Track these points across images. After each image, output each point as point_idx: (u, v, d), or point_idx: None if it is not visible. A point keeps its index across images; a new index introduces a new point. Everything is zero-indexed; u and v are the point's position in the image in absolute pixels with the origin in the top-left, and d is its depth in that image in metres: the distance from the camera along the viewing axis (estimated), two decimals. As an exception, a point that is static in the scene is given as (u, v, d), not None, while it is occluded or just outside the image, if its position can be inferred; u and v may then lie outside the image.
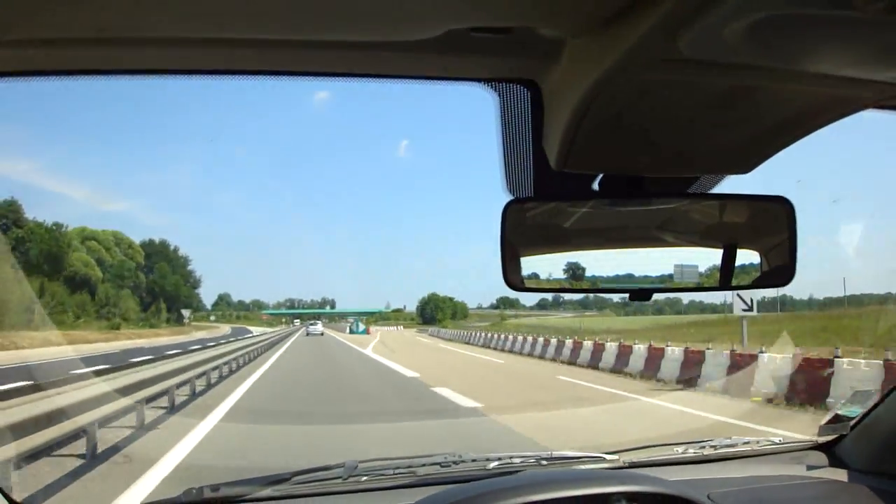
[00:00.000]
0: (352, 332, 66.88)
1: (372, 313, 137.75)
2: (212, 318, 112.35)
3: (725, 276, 1.00)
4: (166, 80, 0.97)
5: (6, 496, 1.39)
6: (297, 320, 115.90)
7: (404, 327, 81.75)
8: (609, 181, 0.95)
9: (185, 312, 74.87)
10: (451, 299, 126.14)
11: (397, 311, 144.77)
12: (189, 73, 0.94)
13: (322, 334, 55.42)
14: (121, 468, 6.07)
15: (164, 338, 46.55)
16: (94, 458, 6.14)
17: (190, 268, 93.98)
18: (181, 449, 6.76)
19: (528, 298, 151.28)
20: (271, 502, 1.68)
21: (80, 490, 5.39)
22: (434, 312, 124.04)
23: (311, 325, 62.55)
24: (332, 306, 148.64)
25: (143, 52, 0.87)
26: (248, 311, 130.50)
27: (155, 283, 78.57)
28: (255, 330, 57.28)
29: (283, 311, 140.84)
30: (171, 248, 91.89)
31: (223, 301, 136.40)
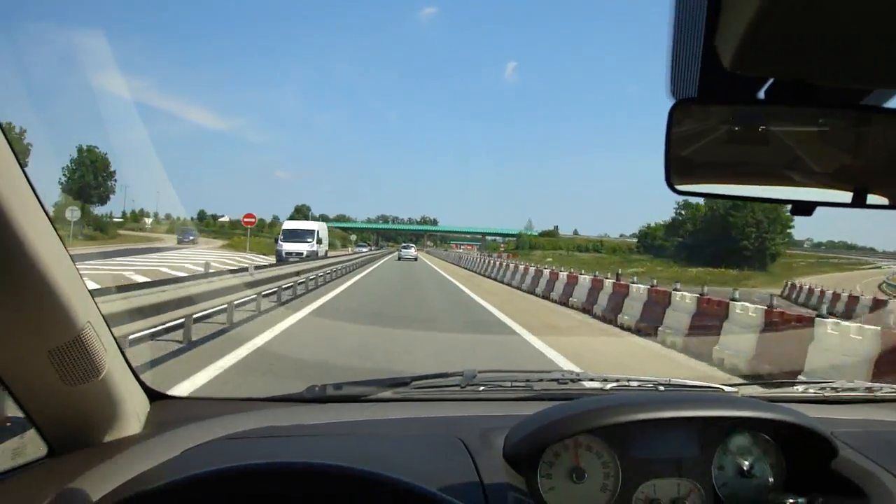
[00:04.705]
0: None
1: (508, 235, 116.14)
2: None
3: (892, 195, 1.00)
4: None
5: (143, 384, 1.56)
6: (365, 245, 79.64)
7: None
8: (779, 87, 0.95)
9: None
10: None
11: (548, 233, 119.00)
12: None
13: (416, 259, 52.53)
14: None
15: None
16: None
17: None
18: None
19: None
20: (390, 404, 1.79)
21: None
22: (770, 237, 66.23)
23: (405, 247, 60.35)
24: (434, 225, 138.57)
25: None
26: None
27: None
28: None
29: (376, 226, 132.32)
30: None
31: (299, 213, 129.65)
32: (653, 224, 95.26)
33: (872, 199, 1.02)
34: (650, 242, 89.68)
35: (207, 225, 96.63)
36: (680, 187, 1.03)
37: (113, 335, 1.39)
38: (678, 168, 1.03)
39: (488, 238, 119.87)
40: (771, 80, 0.95)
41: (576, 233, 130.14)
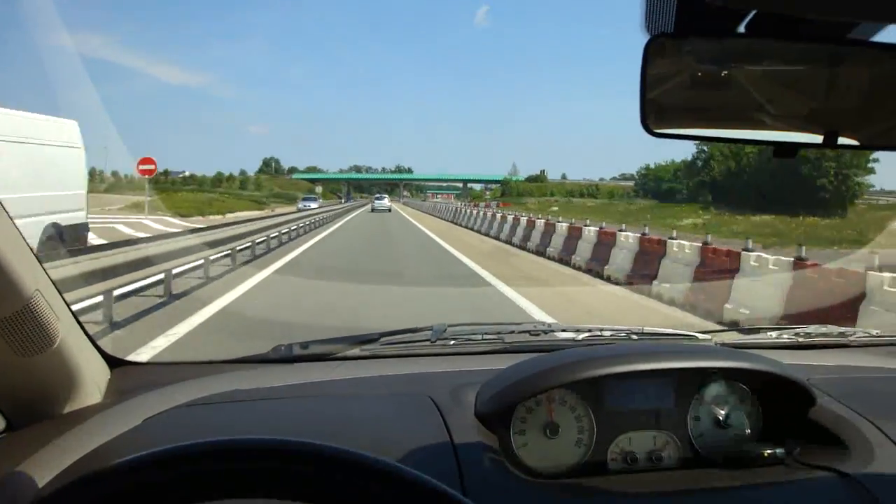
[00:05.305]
0: None
1: (491, 182, 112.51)
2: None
3: (880, 135, 0.98)
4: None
5: (101, 351, 1.52)
6: (314, 198, 57.30)
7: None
8: (760, 20, 0.91)
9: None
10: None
11: (535, 178, 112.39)
12: None
13: (389, 210, 52.86)
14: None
15: None
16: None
17: None
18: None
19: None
20: (358, 361, 1.77)
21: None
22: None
23: (378, 198, 60.69)
24: (409, 174, 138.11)
25: None
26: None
27: None
28: None
29: (348, 176, 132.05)
30: None
31: (268, 167, 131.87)
32: (652, 165, 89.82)
33: (843, 140, 0.98)
34: (651, 186, 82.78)
35: (157, 182, 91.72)
36: (657, 129, 0.99)
37: (66, 302, 1.34)
38: (654, 109, 0.99)
39: (470, 185, 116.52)
40: (753, 13, 0.91)
41: (564, 177, 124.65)
